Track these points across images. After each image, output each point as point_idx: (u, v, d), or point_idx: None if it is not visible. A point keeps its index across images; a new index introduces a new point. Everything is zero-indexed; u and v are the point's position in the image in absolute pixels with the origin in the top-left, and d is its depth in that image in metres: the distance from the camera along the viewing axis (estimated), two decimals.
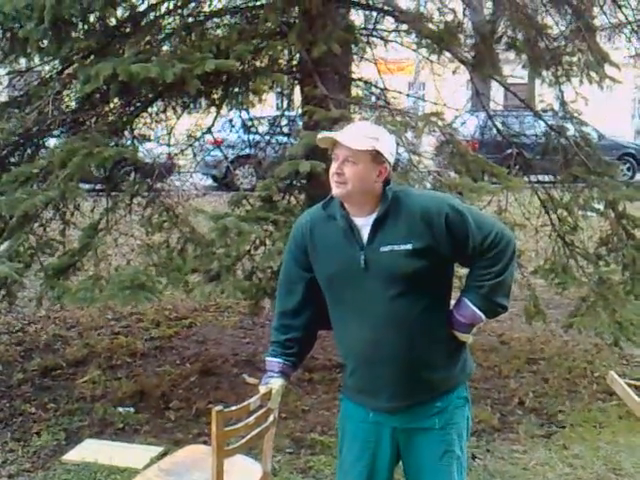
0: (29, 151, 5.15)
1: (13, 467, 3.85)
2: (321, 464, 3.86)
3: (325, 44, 4.69)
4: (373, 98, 6.19)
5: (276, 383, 2.49)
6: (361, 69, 6.02)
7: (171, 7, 5.33)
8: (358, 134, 2.35)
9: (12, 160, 5.07)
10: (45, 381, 5.08)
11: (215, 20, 5.52)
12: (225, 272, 4.20)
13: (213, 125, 5.64)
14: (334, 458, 3.51)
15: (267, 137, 6.52)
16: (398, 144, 4.89)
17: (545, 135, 5.77)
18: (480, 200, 4.38)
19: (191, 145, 6.03)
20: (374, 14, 6.10)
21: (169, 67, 4.14)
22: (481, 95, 6.41)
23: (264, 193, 4.40)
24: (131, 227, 5.35)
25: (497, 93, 10.16)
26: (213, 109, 5.59)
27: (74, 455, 3.97)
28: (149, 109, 5.51)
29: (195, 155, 6.61)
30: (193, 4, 5.53)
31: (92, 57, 4.72)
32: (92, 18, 4.75)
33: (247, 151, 6.86)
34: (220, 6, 5.68)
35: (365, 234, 2.35)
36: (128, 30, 5.05)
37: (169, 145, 5.84)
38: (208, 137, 6.13)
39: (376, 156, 2.33)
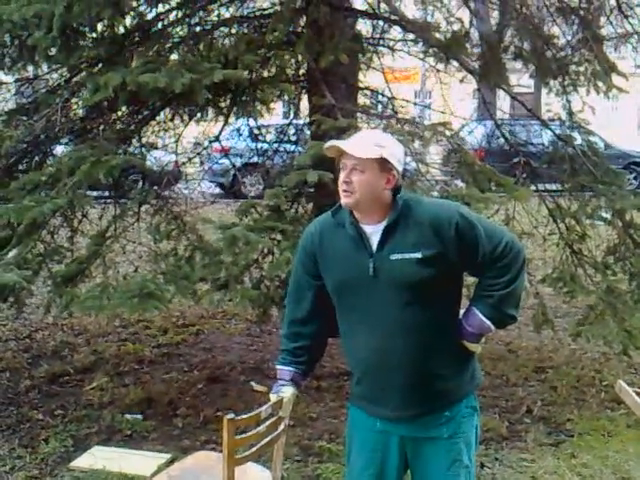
0: (37, 159, 5.17)
1: (21, 474, 3.86)
2: (329, 472, 3.86)
3: (332, 53, 4.71)
4: (380, 107, 6.22)
5: (287, 391, 2.49)
6: (368, 78, 6.04)
7: (179, 16, 5.36)
8: (364, 142, 2.35)
9: (20, 168, 5.09)
10: (53, 388, 5.09)
11: (223, 29, 5.54)
12: (233, 281, 4.21)
13: (221, 133, 5.67)
14: (342, 466, 3.51)
15: (275, 145, 6.54)
16: (405, 153, 4.94)
17: (552, 144, 5.78)
18: (488, 209, 4.39)
19: (199, 153, 6.05)
20: (381, 23, 6.13)
21: (178, 77, 4.15)
22: (488, 104, 6.44)
23: (272, 202, 4.41)
24: (139, 235, 5.36)
25: (504, 102, 10.19)
26: (221, 118, 5.62)
27: (82, 462, 3.98)
28: (157, 117, 5.54)
29: (203, 163, 6.64)
30: (201, 13, 5.56)
31: (100, 65, 4.74)
32: (100, 27, 4.77)
33: (255, 159, 6.88)
34: (228, 15, 5.71)
35: (375, 242, 2.35)
36: (136, 39, 5.07)
37: (177, 153, 5.86)
38: (215, 145, 6.15)
39: (383, 164, 2.33)
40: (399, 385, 2.36)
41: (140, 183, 5.46)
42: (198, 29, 5.45)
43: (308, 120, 5.31)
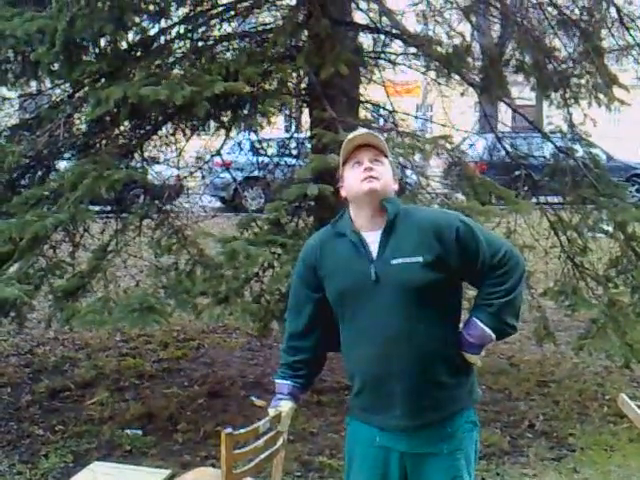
0: (40, 173, 5.18)
1: None
2: None
3: (333, 67, 4.73)
4: (381, 120, 6.23)
5: (286, 406, 2.47)
6: (369, 91, 6.06)
7: (181, 31, 5.39)
8: (379, 139, 2.42)
9: (23, 182, 5.10)
10: (53, 403, 5.08)
11: (225, 44, 5.57)
12: (233, 295, 4.21)
13: (222, 147, 5.68)
14: None
15: (276, 159, 6.55)
16: (406, 167, 4.95)
17: (553, 156, 5.78)
18: (488, 222, 4.38)
19: (200, 167, 6.06)
20: (382, 37, 6.15)
21: (178, 90, 4.17)
22: (489, 117, 6.45)
23: (272, 216, 4.41)
24: (140, 249, 5.36)
25: (505, 115, 10.21)
26: (222, 131, 5.63)
27: (82, 478, 3.93)
28: (159, 132, 5.56)
29: (204, 177, 6.65)
30: (203, 28, 5.59)
31: (103, 80, 4.77)
32: (103, 42, 4.80)
33: (256, 173, 6.89)
34: (230, 30, 5.74)
35: (375, 247, 2.35)
36: (139, 54, 5.10)
37: (178, 167, 5.87)
38: (216, 159, 6.16)
39: (390, 163, 2.42)
40: (400, 393, 2.34)
41: (142, 197, 5.45)
42: (200, 44, 5.48)
43: (309, 134, 5.32)
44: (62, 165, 5.35)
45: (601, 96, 5.44)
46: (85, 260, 4.85)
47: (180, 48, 5.44)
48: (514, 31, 5.79)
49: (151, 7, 4.96)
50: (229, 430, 2.32)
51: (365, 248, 2.36)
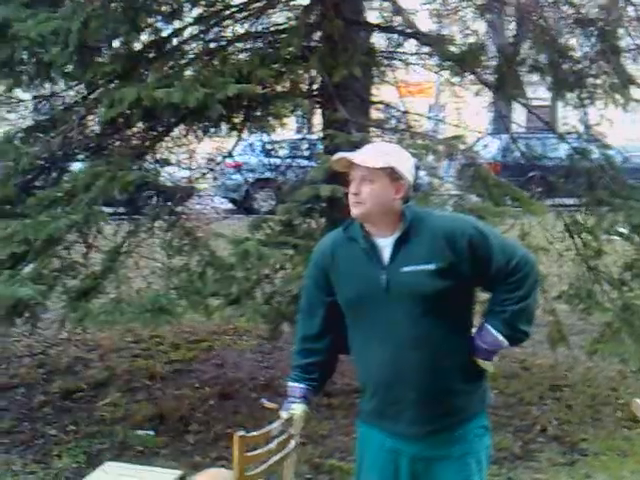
0: (54, 175, 5.20)
1: None
2: None
3: (346, 68, 4.71)
4: (394, 121, 6.20)
5: (298, 409, 2.46)
6: (382, 92, 6.04)
7: (195, 32, 5.39)
8: (372, 153, 2.35)
9: (37, 184, 5.12)
10: (66, 403, 5.10)
11: (237, 45, 5.57)
12: (245, 296, 4.20)
13: (234, 149, 5.68)
14: None
15: (288, 161, 6.55)
16: (419, 168, 4.93)
17: (569, 157, 5.71)
18: (502, 224, 4.35)
19: (212, 169, 6.06)
20: (396, 37, 6.12)
21: (192, 92, 4.17)
22: (503, 117, 6.40)
23: (284, 217, 4.40)
24: (152, 250, 5.37)
25: (519, 115, 10.15)
26: (234, 133, 5.63)
27: (94, 478, 3.95)
28: (171, 133, 5.56)
29: (215, 179, 6.65)
30: (216, 29, 5.59)
31: (116, 82, 4.78)
32: (117, 43, 4.81)
33: (267, 174, 6.89)
34: (242, 31, 5.74)
35: (387, 254, 2.33)
36: (152, 55, 5.11)
37: (190, 169, 5.87)
38: (228, 160, 6.16)
39: (392, 173, 2.32)
40: (411, 400, 2.33)
41: (154, 199, 5.46)
42: (213, 45, 5.48)
43: (321, 135, 5.30)
44: (76, 166, 5.37)
45: (617, 96, 5.38)
46: (98, 261, 4.86)
47: (193, 49, 5.44)
48: (529, 30, 5.74)
49: (164, 8, 4.96)
50: (242, 433, 2.31)
51: (376, 254, 2.34)
